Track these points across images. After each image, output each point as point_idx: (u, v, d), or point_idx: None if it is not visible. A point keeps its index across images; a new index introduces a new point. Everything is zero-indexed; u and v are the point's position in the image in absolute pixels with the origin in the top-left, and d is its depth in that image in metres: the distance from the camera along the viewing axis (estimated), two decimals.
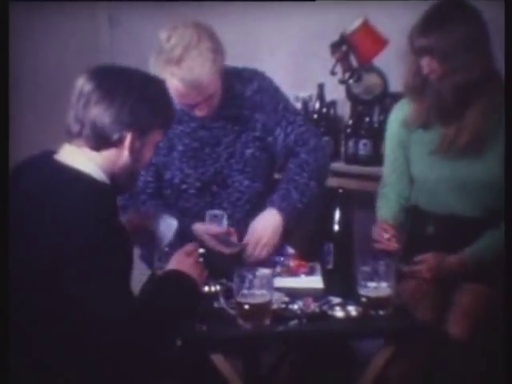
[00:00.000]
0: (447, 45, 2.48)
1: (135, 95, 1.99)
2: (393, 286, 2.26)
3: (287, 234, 2.64)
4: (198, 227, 2.60)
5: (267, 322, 2.18)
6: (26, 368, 1.92)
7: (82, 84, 2.00)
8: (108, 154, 2.01)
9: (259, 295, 2.17)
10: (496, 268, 2.43)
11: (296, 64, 3.88)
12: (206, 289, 2.29)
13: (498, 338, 2.23)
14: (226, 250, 2.56)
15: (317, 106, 3.57)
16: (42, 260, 1.88)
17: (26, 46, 3.98)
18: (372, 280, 2.25)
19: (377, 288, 2.25)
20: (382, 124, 2.82)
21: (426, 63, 2.53)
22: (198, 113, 2.58)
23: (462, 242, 2.61)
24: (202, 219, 2.60)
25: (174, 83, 2.46)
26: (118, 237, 1.94)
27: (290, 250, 2.67)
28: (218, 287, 2.32)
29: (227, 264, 2.39)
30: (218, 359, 2.18)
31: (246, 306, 2.17)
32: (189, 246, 2.16)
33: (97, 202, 1.92)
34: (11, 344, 1.89)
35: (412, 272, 2.60)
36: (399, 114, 2.75)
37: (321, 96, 3.58)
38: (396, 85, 3.35)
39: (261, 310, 2.18)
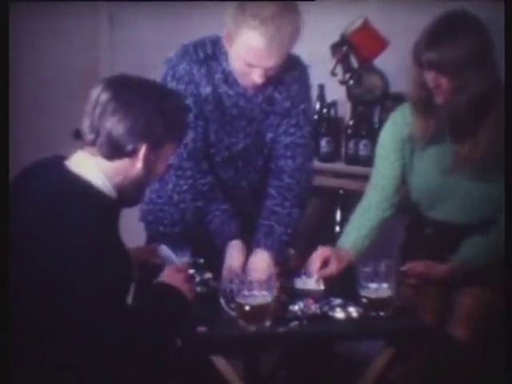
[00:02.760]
0: (457, 59, 2.38)
1: (151, 107, 1.99)
2: (393, 287, 2.26)
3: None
4: (238, 262, 2.49)
5: (268, 323, 2.19)
6: (25, 369, 1.91)
7: (99, 93, 1.99)
8: (120, 165, 2.01)
9: (260, 296, 2.17)
10: (496, 270, 2.42)
11: None
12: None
13: (500, 340, 2.23)
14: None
15: (317, 106, 3.56)
16: (38, 265, 1.88)
17: (26, 46, 3.98)
18: (373, 281, 2.25)
19: (377, 289, 2.25)
20: (383, 125, 2.80)
21: (432, 77, 2.42)
22: (255, 78, 2.45)
23: (460, 244, 2.58)
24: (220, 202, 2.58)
25: (250, 38, 2.38)
26: (116, 252, 1.94)
27: (291, 251, 2.67)
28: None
29: None
30: (219, 360, 2.18)
31: (247, 307, 2.17)
32: (180, 266, 2.29)
33: (100, 216, 1.92)
34: (11, 345, 1.89)
35: (401, 278, 2.54)
36: (400, 119, 2.64)
37: (321, 97, 3.57)
38: (396, 86, 3.35)
39: (261, 311, 2.18)
